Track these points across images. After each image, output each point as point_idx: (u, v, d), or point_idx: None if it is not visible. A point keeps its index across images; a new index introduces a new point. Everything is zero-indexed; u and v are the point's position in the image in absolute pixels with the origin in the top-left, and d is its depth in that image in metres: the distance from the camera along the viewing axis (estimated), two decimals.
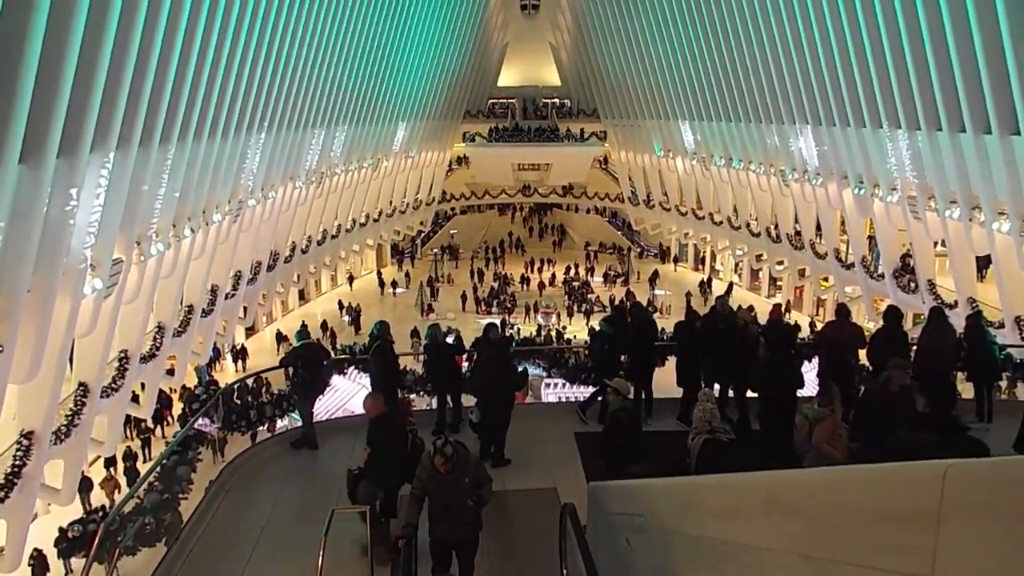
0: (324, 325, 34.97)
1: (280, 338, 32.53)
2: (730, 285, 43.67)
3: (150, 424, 24.19)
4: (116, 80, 15.71)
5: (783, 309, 11.70)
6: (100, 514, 16.56)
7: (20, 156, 13.43)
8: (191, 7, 17.91)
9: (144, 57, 16.56)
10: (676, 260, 49.71)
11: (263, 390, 12.38)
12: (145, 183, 18.56)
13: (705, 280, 44.40)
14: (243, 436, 10.02)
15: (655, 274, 44.49)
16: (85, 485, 19.87)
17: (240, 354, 31.43)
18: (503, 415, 8.84)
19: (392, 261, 50.22)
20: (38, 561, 16.85)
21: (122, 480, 20.76)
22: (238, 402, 10.52)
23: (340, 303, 40.60)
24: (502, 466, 8.73)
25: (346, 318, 37.10)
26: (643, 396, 9.99)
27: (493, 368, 8.94)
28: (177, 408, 25.32)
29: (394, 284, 44.68)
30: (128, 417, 23.03)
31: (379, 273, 46.47)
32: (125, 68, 15.90)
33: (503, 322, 33.02)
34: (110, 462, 21.40)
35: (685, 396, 9.73)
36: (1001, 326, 20.71)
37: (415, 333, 31.24)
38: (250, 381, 11.78)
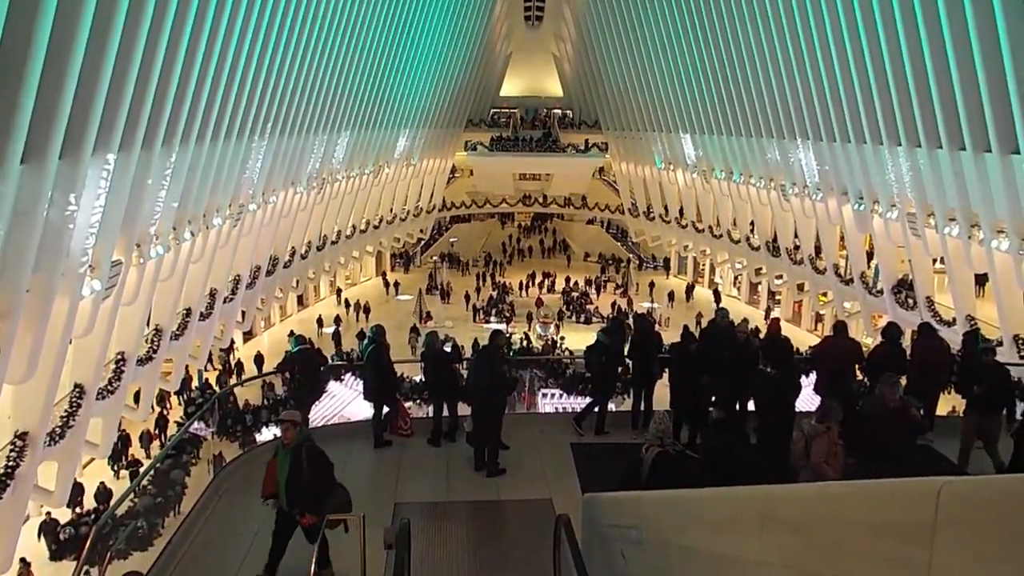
0: (337, 319, 37.37)
1: (259, 360, 30.95)
2: (715, 290, 44.04)
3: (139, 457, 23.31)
4: (120, 82, 15.75)
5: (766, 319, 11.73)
6: (92, 516, 16.50)
7: (22, 157, 13.46)
8: (196, 11, 17.99)
9: (148, 60, 16.60)
10: (667, 268, 50.06)
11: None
12: (146, 186, 18.59)
13: (689, 285, 45.38)
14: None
15: (676, 292, 44.21)
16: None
17: (236, 368, 31.21)
18: (490, 420, 8.80)
19: (398, 265, 50.76)
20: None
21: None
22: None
23: (347, 301, 41.39)
24: (496, 475, 8.71)
25: (329, 329, 36.32)
26: (643, 408, 9.98)
27: (477, 372, 8.98)
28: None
29: (396, 285, 45.76)
30: (116, 451, 22.22)
31: (384, 275, 47.98)
32: (129, 71, 15.94)
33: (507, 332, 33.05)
34: (75, 502, 19.58)
35: (676, 420, 9.19)
36: (999, 344, 20.70)
37: (414, 329, 33.71)
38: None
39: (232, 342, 32.71)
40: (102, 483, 20.47)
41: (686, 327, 10.35)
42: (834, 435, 6.75)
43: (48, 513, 18.23)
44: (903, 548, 2.17)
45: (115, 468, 22.80)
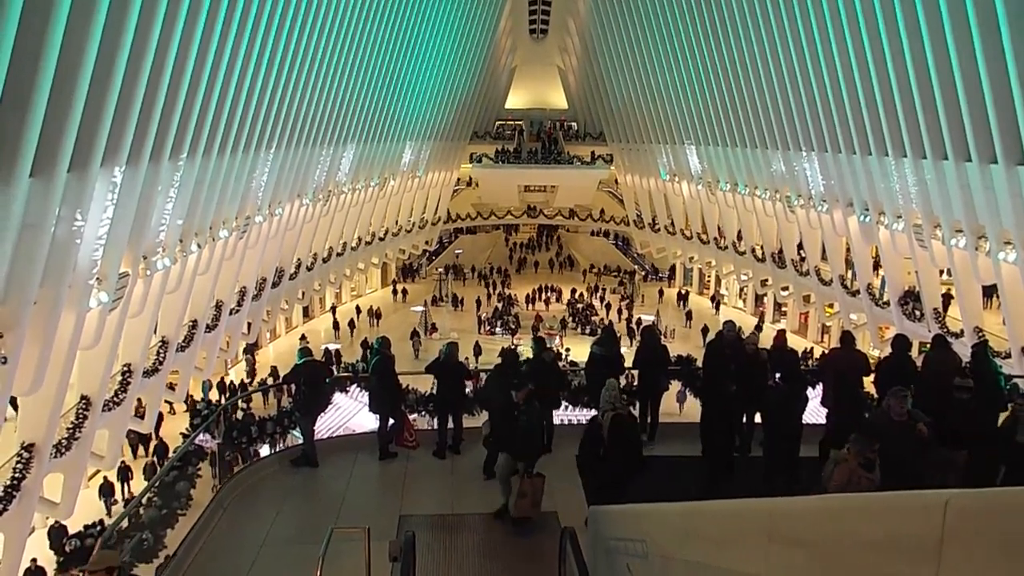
0: (352, 323, 39.06)
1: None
2: (712, 297, 43.90)
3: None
4: (128, 97, 15.90)
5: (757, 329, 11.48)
6: (97, 528, 16.40)
7: (31, 170, 13.58)
8: (203, 26, 18.17)
9: (156, 74, 16.77)
10: (670, 278, 50.02)
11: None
12: (153, 198, 18.71)
13: (682, 293, 45.79)
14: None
15: (693, 310, 43.18)
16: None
17: (241, 388, 31.01)
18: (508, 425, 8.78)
19: (405, 277, 51.03)
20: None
21: None
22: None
23: (358, 307, 42.10)
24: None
25: (333, 346, 35.91)
26: (648, 418, 9.96)
27: (499, 377, 9.01)
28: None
29: (404, 292, 47.04)
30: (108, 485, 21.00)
31: (394, 283, 49.12)
32: (137, 85, 16.10)
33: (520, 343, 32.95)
34: (59, 548, 16.12)
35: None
36: (1007, 356, 20.58)
37: (415, 334, 35.11)
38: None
39: (255, 347, 33.18)
40: (102, 520, 17.50)
41: (718, 365, 9.40)
42: (855, 465, 6.49)
43: (34, 560, 16.68)
44: (910, 563, 2.16)
45: (108, 505, 20.92)
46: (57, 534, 16.98)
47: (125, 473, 21.80)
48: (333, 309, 42.45)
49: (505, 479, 7.90)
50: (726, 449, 8.76)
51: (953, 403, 8.09)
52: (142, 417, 23.19)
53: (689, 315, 41.43)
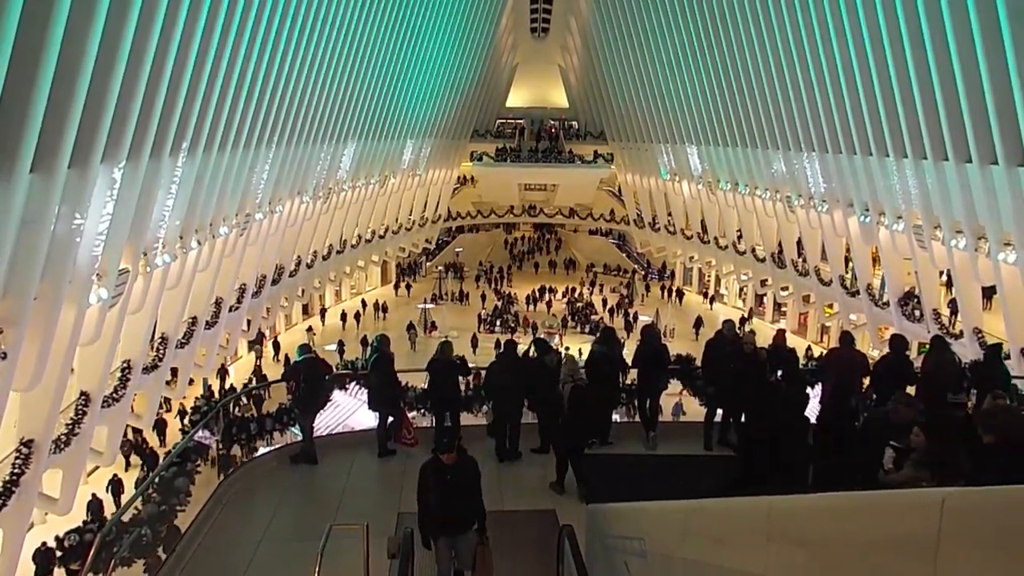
0: (357, 316, 39.87)
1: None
2: (705, 295, 44.35)
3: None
4: (128, 93, 15.89)
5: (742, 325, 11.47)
6: (96, 525, 16.40)
7: (32, 166, 13.57)
8: (204, 22, 18.16)
9: (157, 70, 16.76)
10: (664, 276, 50.06)
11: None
12: (154, 195, 18.70)
13: (675, 291, 46.17)
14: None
15: (702, 316, 40.38)
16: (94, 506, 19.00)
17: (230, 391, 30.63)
18: (512, 414, 9.25)
19: (404, 275, 50.99)
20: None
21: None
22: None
23: (363, 301, 42.44)
24: (514, 459, 9.18)
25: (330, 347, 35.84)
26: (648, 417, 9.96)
27: (502, 370, 9.27)
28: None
29: (408, 287, 47.81)
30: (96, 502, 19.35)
31: (397, 278, 49.82)
32: (138, 81, 16.10)
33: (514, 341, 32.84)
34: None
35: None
36: (1007, 357, 20.56)
37: (411, 327, 35.90)
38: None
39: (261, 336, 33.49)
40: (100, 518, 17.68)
41: (719, 368, 9.19)
42: None
43: None
44: (907, 562, 2.16)
45: (95, 521, 17.73)
46: (43, 557, 16.16)
47: (116, 487, 20.50)
48: (323, 312, 41.49)
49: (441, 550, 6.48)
50: (738, 449, 8.88)
51: (950, 417, 8.05)
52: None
53: (699, 321, 38.22)
